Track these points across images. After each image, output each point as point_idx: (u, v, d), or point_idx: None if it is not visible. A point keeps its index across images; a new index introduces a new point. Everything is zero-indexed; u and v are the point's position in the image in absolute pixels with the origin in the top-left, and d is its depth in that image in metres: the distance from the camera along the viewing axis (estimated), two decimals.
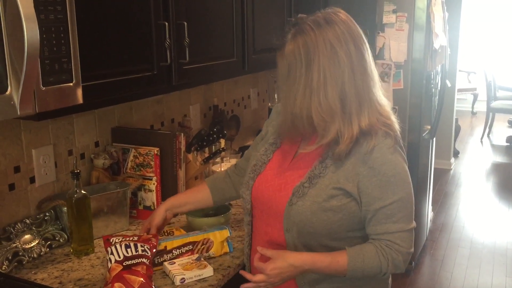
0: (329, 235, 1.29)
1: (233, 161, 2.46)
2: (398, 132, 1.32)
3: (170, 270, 1.44)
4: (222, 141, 2.27)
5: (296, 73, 1.25)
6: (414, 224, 1.32)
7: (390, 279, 1.47)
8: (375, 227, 1.28)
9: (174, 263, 1.47)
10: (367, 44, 1.30)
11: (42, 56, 1.10)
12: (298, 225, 1.29)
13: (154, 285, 1.38)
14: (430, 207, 4.07)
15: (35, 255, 1.56)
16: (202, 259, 1.50)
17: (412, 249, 1.31)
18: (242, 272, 1.34)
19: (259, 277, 1.27)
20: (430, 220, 4.11)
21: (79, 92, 1.22)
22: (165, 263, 1.48)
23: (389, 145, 1.26)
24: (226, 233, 1.58)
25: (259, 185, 1.40)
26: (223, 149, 2.24)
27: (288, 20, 2.44)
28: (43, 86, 1.12)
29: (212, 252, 1.55)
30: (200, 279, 1.44)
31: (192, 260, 1.49)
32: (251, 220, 1.44)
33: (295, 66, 1.25)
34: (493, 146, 6.77)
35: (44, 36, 1.10)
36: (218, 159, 2.30)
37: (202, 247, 1.53)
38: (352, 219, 1.29)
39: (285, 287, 1.36)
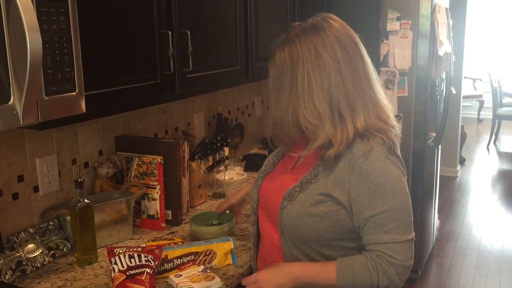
0: (318, 241, 1.28)
1: (237, 169, 2.45)
2: (394, 139, 1.29)
3: (177, 283, 1.42)
4: (226, 149, 2.26)
5: (283, 79, 1.28)
6: (411, 236, 1.26)
7: None
8: (367, 237, 1.26)
9: (180, 275, 1.45)
10: (360, 47, 1.29)
11: (45, 65, 1.11)
12: (288, 228, 1.30)
13: None
14: (437, 215, 4.04)
15: (39, 265, 1.56)
16: (208, 270, 1.48)
17: (410, 262, 1.25)
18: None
19: (250, 279, 1.32)
20: (437, 228, 4.08)
21: (82, 101, 1.22)
22: (171, 276, 1.46)
23: (380, 152, 1.24)
24: (230, 245, 1.56)
25: (266, 184, 1.43)
26: (227, 157, 2.24)
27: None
28: (46, 96, 1.13)
29: (214, 263, 1.54)
30: None
31: (198, 271, 1.47)
32: (257, 220, 1.46)
33: (282, 73, 1.28)
34: (499, 153, 6.73)
35: (47, 46, 1.11)
36: (222, 167, 2.30)
37: (205, 258, 1.52)
38: (341, 227, 1.27)
39: None
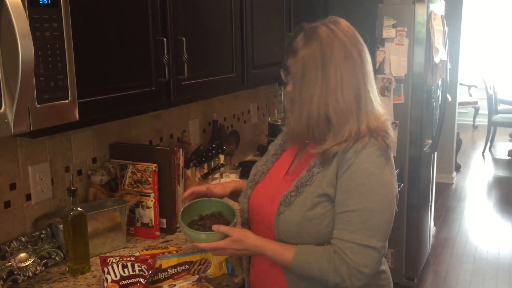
0: (318, 244, 1.27)
1: (233, 176, 2.44)
2: (390, 143, 1.30)
3: None
4: (222, 157, 2.25)
5: (312, 75, 1.27)
6: (377, 244, 1.22)
7: None
8: (334, 231, 1.26)
9: (175, 285, 1.44)
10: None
11: (37, 73, 1.09)
12: (286, 235, 1.29)
13: None
14: (432, 222, 4.03)
15: (31, 274, 1.53)
16: (202, 280, 1.46)
17: (366, 270, 1.21)
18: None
19: (211, 245, 1.32)
20: (433, 235, 4.07)
21: (75, 109, 1.21)
22: (165, 286, 1.44)
23: (371, 153, 1.25)
24: None
25: (256, 194, 1.42)
26: (222, 165, 2.22)
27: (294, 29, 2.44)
28: (38, 104, 1.11)
29: (209, 273, 1.52)
30: None
31: (192, 281, 1.45)
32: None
33: (310, 69, 1.28)
34: (494, 160, 6.74)
35: (40, 53, 1.09)
36: (217, 175, 2.28)
37: (199, 267, 1.50)
38: None
39: None
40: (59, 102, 1.16)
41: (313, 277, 1.26)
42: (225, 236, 1.32)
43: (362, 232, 1.22)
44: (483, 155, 6.88)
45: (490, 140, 6.97)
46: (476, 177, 5.96)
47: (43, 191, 1.68)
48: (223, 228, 1.32)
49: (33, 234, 1.62)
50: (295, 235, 1.28)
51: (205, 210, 1.46)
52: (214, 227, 1.32)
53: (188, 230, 1.35)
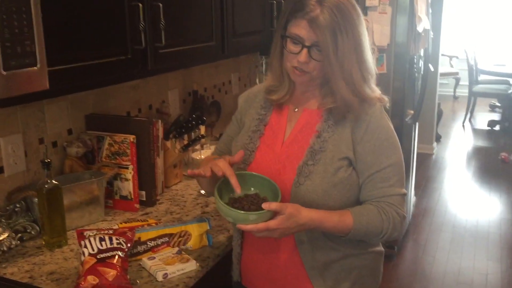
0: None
1: (214, 148, 2.40)
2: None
3: (150, 266, 1.38)
4: (202, 128, 2.21)
5: (344, 39, 1.22)
6: (404, 190, 1.33)
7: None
8: (372, 192, 1.29)
9: (154, 258, 1.41)
10: None
11: (3, 38, 1.03)
12: (310, 206, 1.24)
13: (129, 278, 1.32)
14: (413, 192, 4.07)
15: (5, 248, 1.49)
16: (182, 252, 1.44)
17: (406, 215, 1.33)
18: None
19: (261, 225, 1.16)
20: (413, 205, 4.12)
21: (45, 77, 1.15)
22: (144, 259, 1.41)
23: (378, 111, 1.31)
24: (205, 226, 1.52)
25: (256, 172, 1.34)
26: (203, 136, 2.18)
27: (270, 3, 2.37)
28: (4, 71, 1.05)
29: (189, 245, 1.49)
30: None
31: (172, 253, 1.43)
32: None
33: (340, 32, 1.21)
34: (474, 130, 6.82)
35: (4, 16, 1.03)
36: (197, 146, 2.24)
37: (179, 239, 1.48)
38: (358, 188, 1.30)
39: (294, 273, 1.34)
40: (27, 69, 1.10)
41: (370, 234, 1.28)
42: (274, 214, 1.17)
43: (399, 183, 1.30)
44: (463, 126, 6.96)
45: (470, 111, 7.03)
46: (456, 147, 6.03)
47: (16, 163, 1.62)
48: (274, 205, 1.15)
49: (7, 208, 1.57)
50: (320, 204, 1.25)
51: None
52: (265, 205, 1.14)
53: (233, 211, 1.17)
